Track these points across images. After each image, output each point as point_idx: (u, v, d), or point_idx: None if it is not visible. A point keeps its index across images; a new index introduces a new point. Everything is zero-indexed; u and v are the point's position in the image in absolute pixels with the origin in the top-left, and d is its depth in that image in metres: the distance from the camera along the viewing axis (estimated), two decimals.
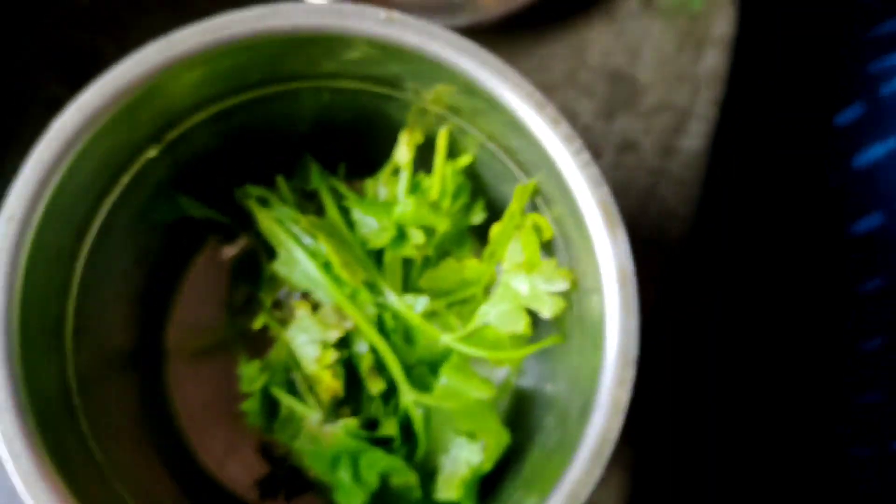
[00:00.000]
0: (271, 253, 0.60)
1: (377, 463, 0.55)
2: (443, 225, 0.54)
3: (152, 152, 0.53)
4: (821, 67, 0.94)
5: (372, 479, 0.56)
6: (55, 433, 0.46)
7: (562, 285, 0.51)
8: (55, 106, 0.46)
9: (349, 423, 0.54)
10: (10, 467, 0.43)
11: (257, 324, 0.62)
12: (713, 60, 0.76)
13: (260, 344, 0.63)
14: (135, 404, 0.60)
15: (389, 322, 0.56)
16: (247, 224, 0.62)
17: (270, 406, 0.61)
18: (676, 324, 0.74)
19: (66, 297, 0.51)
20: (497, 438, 0.54)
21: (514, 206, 0.52)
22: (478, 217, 0.59)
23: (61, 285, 0.51)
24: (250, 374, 0.60)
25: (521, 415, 0.63)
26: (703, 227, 0.74)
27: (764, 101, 0.85)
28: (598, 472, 0.43)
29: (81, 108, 0.46)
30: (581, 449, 0.43)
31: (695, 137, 0.75)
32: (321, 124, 0.61)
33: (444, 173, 0.56)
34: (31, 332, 0.46)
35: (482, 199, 0.59)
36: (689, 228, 0.74)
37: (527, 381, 0.64)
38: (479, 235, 0.60)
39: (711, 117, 0.76)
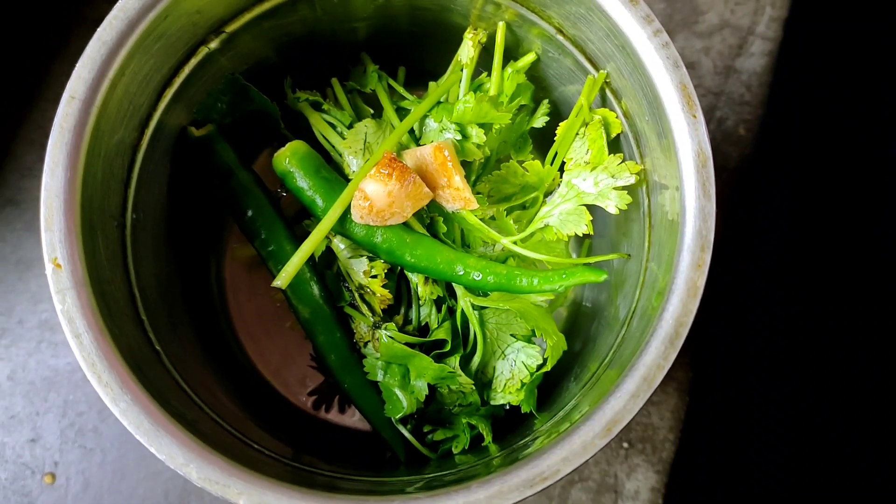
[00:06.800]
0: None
1: (426, 370, 0.54)
2: (502, 119, 0.53)
3: (214, 43, 0.52)
4: None
5: (420, 388, 0.56)
6: (117, 319, 0.46)
7: (628, 179, 0.49)
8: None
9: (393, 323, 0.53)
10: (72, 345, 0.43)
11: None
12: None
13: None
14: (191, 304, 0.60)
15: (441, 227, 0.55)
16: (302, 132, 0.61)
17: None
18: (737, 249, 0.72)
19: (128, 188, 0.51)
20: (557, 340, 0.53)
21: (582, 100, 0.51)
22: (540, 120, 0.57)
23: (122, 174, 0.50)
24: None
25: (577, 325, 0.61)
26: (766, 151, 0.72)
27: (831, 14, 0.81)
28: (672, 356, 0.42)
29: None
30: (656, 332, 0.42)
31: (757, 57, 0.73)
32: (379, 29, 0.60)
33: (502, 67, 0.54)
34: (94, 214, 0.46)
35: (546, 102, 0.57)
36: (751, 151, 0.72)
37: (583, 292, 0.63)
38: (542, 143, 0.58)
39: (775, 36, 0.73)
